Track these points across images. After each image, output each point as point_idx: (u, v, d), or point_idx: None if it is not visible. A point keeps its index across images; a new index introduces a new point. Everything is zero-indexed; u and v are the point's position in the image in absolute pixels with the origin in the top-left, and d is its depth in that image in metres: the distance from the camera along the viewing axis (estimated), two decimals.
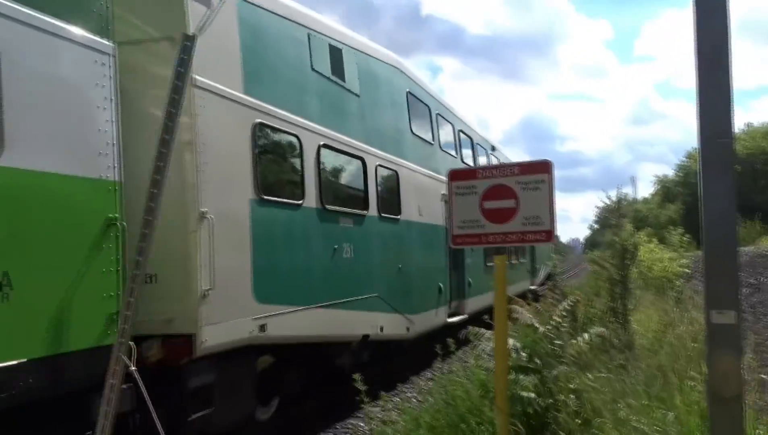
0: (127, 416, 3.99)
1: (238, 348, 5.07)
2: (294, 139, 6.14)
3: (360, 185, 7.73)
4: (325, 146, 6.69)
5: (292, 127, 6.08)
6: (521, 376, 4.57)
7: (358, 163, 7.67)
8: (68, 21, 3.79)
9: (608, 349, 4.66)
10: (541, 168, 3.92)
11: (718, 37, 2.46)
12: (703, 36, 2.50)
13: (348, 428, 7.30)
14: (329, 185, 6.90)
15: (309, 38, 6.75)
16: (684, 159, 59.71)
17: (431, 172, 10.23)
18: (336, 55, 7.45)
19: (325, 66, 7.08)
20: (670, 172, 73.05)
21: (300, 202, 6.07)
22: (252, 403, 5.64)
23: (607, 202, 7.33)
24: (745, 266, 13.64)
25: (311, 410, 7.77)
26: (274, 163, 6.14)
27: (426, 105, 10.71)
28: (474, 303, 11.53)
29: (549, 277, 18.99)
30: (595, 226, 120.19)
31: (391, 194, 8.56)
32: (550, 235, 3.88)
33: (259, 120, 5.49)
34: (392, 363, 9.99)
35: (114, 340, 3.55)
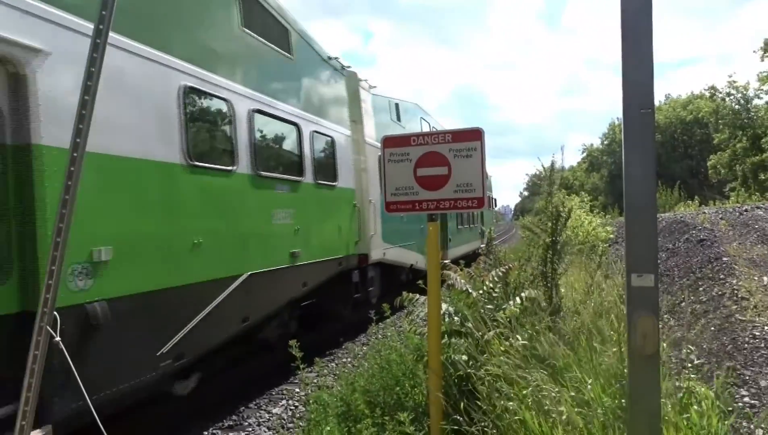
0: None
1: (378, 262, 10.72)
2: None
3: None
4: None
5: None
6: (454, 340, 4.69)
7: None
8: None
9: (537, 311, 4.82)
10: (473, 135, 3.96)
11: (641, 10, 2.53)
12: (627, 8, 2.56)
13: (283, 394, 7.34)
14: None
15: None
16: (606, 130, 62.03)
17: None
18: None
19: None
20: (597, 141, 75.74)
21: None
22: (381, 288, 11.28)
23: (541, 169, 7.53)
24: (663, 232, 14.38)
25: (244, 377, 7.76)
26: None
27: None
28: (452, 253, 17.44)
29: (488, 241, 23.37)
30: (525, 193, 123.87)
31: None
32: (481, 201, 3.94)
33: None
34: (327, 330, 10.07)
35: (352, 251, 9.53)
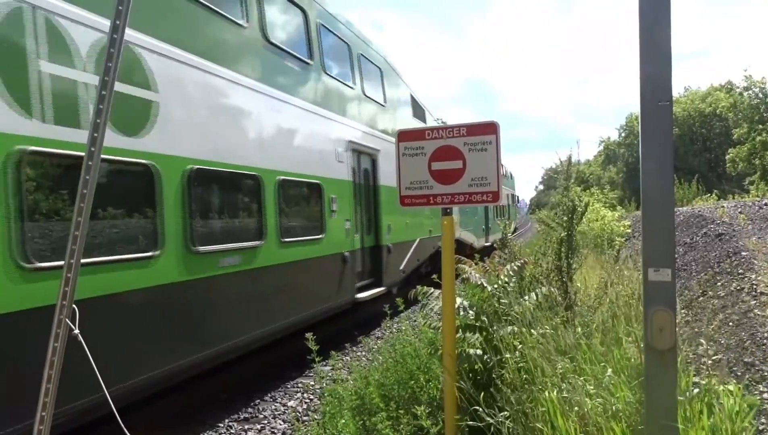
0: None
1: (456, 238, 12.22)
2: None
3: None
4: None
5: None
6: (468, 334, 4.68)
7: None
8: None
9: (553, 306, 4.80)
10: (488, 129, 3.94)
11: (659, 2, 2.50)
12: (645, 0, 2.53)
13: (299, 387, 7.38)
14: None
15: None
16: (623, 124, 61.43)
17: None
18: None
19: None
20: (611, 133, 75.05)
21: None
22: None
23: (557, 163, 7.50)
24: (681, 226, 14.23)
25: (259, 369, 7.81)
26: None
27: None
28: (492, 238, 23.79)
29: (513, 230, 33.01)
30: (540, 187, 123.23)
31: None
32: (496, 195, 3.92)
33: None
34: (341, 323, 10.11)
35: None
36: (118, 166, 4.89)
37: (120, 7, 3.18)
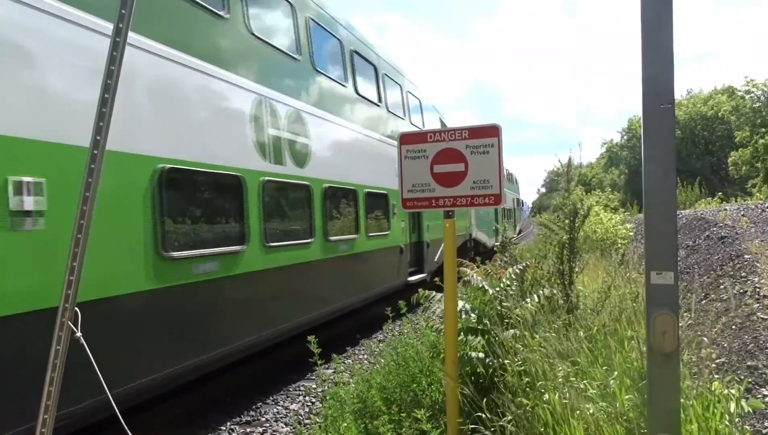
0: None
1: (474, 238, 20.96)
2: None
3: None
4: None
5: None
6: (470, 337, 4.67)
7: None
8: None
9: (555, 309, 4.79)
10: (490, 132, 3.93)
11: (661, 3, 2.50)
12: (647, 3, 2.53)
13: (300, 390, 7.37)
14: None
15: None
16: (625, 127, 61.44)
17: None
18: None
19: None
20: (615, 136, 75.11)
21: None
22: (476, 250, 20.44)
23: (558, 165, 7.53)
24: (684, 229, 14.21)
25: (261, 372, 7.81)
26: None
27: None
28: (501, 238, 25.09)
29: (518, 232, 38.41)
30: (542, 189, 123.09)
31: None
32: (498, 198, 3.91)
33: None
34: (343, 326, 10.11)
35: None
36: (297, 187, 7.72)
37: (123, 11, 3.18)
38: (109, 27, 3.96)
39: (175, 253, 5.24)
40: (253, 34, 6.76)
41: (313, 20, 8.43)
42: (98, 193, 3.16)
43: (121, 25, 3.22)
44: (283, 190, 7.30)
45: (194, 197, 5.86)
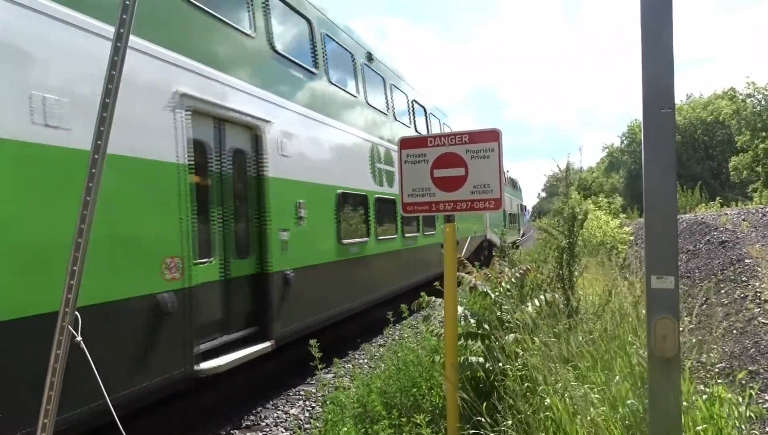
0: None
1: (488, 239, 23.52)
2: None
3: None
4: None
5: None
6: (470, 342, 4.66)
7: None
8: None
9: (555, 313, 4.78)
10: (491, 136, 3.93)
11: (661, 8, 2.50)
12: (647, 7, 2.53)
13: (300, 394, 7.36)
14: None
15: None
16: (626, 131, 61.52)
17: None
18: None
19: None
20: (616, 140, 75.08)
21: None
22: (489, 251, 22.66)
23: (557, 169, 7.54)
24: (684, 233, 14.19)
25: (261, 377, 7.79)
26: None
27: None
28: (509, 237, 25.19)
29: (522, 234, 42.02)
30: (542, 194, 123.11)
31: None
32: (498, 202, 3.91)
33: None
34: (343, 330, 10.10)
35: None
36: (389, 201, 11.34)
37: (124, 16, 3.19)
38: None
39: (344, 241, 8.96)
40: (369, 105, 10.94)
41: (394, 86, 12.94)
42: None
43: (122, 30, 3.22)
44: (383, 203, 11.09)
45: (349, 208, 9.43)
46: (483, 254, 21.60)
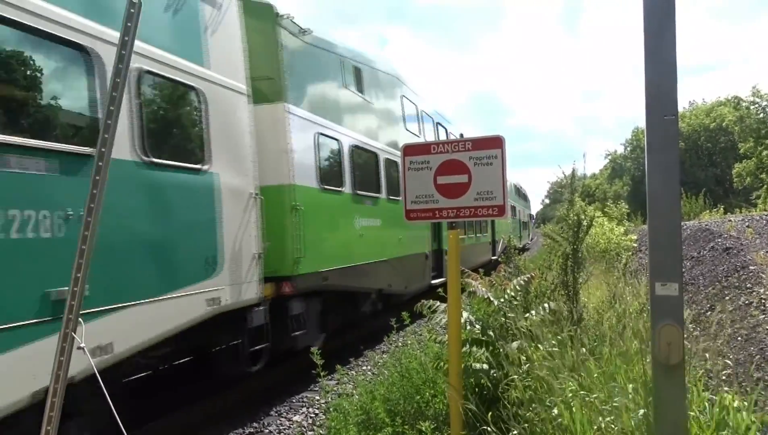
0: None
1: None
2: None
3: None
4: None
5: None
6: (474, 349, 4.65)
7: None
8: None
9: (559, 320, 4.77)
10: (494, 143, 3.94)
11: (664, 15, 2.50)
12: (650, 13, 2.54)
13: (303, 401, 7.34)
14: None
15: None
16: (630, 136, 61.51)
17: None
18: None
19: None
20: (618, 147, 75.06)
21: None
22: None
23: (561, 176, 7.56)
24: (688, 240, 14.16)
25: (264, 384, 7.79)
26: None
27: None
28: (522, 242, 29.20)
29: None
30: (546, 201, 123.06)
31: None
32: (502, 209, 3.91)
33: None
34: (347, 337, 10.08)
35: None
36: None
37: (129, 24, 3.21)
38: None
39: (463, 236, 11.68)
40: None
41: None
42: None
43: (126, 38, 3.25)
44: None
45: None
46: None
